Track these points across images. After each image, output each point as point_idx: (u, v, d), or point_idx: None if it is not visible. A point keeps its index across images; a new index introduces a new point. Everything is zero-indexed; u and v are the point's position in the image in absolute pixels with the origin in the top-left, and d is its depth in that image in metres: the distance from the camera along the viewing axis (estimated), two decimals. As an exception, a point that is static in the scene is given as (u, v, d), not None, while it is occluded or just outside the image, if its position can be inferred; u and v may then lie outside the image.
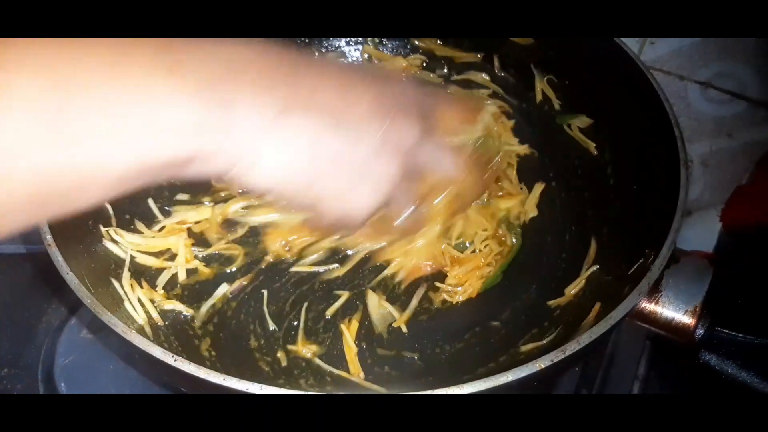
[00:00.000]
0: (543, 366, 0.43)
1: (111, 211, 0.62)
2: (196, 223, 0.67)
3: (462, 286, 0.64)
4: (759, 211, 0.82)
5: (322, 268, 0.65)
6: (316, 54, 0.82)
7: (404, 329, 0.61)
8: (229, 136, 0.40)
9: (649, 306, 0.51)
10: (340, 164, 0.45)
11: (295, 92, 0.42)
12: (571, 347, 0.44)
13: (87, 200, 0.37)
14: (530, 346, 0.59)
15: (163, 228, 0.65)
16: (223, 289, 0.63)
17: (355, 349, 0.59)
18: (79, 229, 0.58)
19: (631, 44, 0.77)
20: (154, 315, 0.58)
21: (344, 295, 0.63)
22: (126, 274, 0.59)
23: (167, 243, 0.64)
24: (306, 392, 0.41)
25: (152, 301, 0.59)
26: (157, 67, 0.37)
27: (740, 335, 0.50)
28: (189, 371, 0.42)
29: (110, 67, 0.35)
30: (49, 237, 0.48)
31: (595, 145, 0.72)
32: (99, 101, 0.35)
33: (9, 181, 0.33)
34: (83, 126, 0.34)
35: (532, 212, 0.70)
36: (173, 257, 0.64)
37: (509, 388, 0.42)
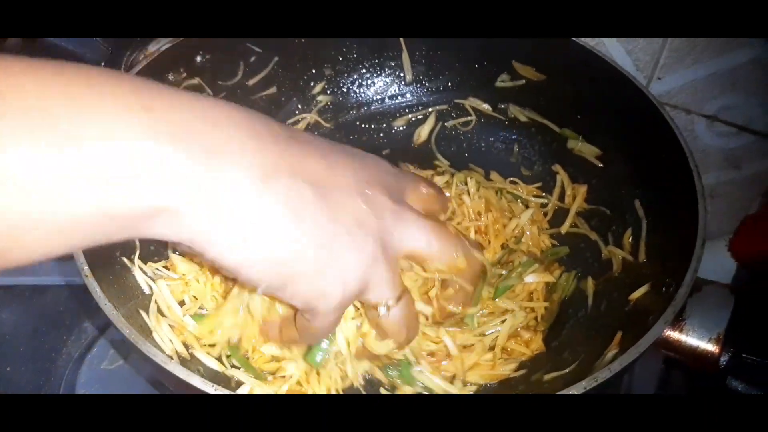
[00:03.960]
0: (576, 393, 0.43)
1: (137, 242, 0.63)
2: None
3: None
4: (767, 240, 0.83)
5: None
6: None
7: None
8: (210, 192, 0.35)
9: (673, 334, 0.52)
10: (320, 239, 0.41)
11: (282, 157, 0.39)
12: (603, 375, 0.44)
13: (29, 253, 0.32)
14: (553, 375, 0.59)
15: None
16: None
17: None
18: (108, 260, 0.59)
19: (640, 79, 0.80)
20: (180, 348, 0.58)
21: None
22: (153, 307, 0.59)
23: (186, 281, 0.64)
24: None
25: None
26: (131, 107, 0.32)
27: (766, 361, 0.51)
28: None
29: (73, 98, 0.31)
30: (86, 268, 0.49)
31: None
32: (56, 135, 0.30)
33: None
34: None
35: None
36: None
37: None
